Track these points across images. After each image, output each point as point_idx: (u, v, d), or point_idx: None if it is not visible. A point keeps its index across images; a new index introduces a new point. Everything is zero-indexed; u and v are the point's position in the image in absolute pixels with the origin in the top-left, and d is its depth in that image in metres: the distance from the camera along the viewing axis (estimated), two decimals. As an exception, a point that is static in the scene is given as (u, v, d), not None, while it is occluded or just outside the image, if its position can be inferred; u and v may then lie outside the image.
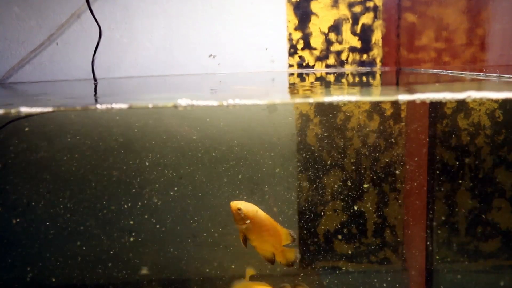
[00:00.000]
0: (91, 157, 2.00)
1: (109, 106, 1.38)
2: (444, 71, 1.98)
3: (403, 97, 1.22)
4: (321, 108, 2.09)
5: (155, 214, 2.03)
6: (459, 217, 2.05)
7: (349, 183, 2.07)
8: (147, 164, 2.02)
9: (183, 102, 1.27)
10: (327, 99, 1.27)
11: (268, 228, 1.48)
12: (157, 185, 2.03)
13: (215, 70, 2.28)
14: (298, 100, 1.58)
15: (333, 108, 2.08)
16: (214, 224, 2.04)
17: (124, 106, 1.39)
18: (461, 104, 2.04)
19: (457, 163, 2.05)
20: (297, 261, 1.51)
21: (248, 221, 1.45)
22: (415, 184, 2.07)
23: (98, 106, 1.38)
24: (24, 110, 1.32)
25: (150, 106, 1.49)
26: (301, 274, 2.05)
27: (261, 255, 1.51)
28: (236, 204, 1.46)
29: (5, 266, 1.98)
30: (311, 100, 1.52)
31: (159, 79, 2.21)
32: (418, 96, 1.16)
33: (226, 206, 2.04)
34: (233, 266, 1.94)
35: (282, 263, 1.51)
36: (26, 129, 1.97)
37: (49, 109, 1.38)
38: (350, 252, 2.08)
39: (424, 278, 2.06)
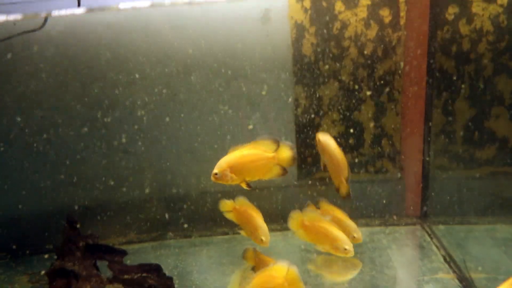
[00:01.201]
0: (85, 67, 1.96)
1: (129, 5, 1.39)
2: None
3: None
4: (315, 14, 2.00)
5: (150, 132, 2.04)
6: (456, 125, 2.06)
7: (345, 92, 2.05)
8: (137, 76, 1.98)
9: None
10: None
11: (255, 158, 1.43)
12: (150, 102, 2.01)
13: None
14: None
15: (327, 13, 1.99)
16: (211, 140, 2.05)
17: (146, 3, 1.46)
18: (464, 9, 1.96)
19: (456, 71, 2.01)
20: (295, 152, 1.46)
21: (232, 173, 1.40)
22: (413, 92, 2.05)
23: (121, 6, 1.39)
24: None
25: (168, 3, 1.58)
26: (306, 185, 2.09)
27: (272, 178, 1.47)
28: (212, 174, 1.41)
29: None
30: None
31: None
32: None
33: (221, 122, 2.04)
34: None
35: (285, 164, 1.45)
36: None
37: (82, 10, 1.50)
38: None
39: (420, 185, 2.11)
